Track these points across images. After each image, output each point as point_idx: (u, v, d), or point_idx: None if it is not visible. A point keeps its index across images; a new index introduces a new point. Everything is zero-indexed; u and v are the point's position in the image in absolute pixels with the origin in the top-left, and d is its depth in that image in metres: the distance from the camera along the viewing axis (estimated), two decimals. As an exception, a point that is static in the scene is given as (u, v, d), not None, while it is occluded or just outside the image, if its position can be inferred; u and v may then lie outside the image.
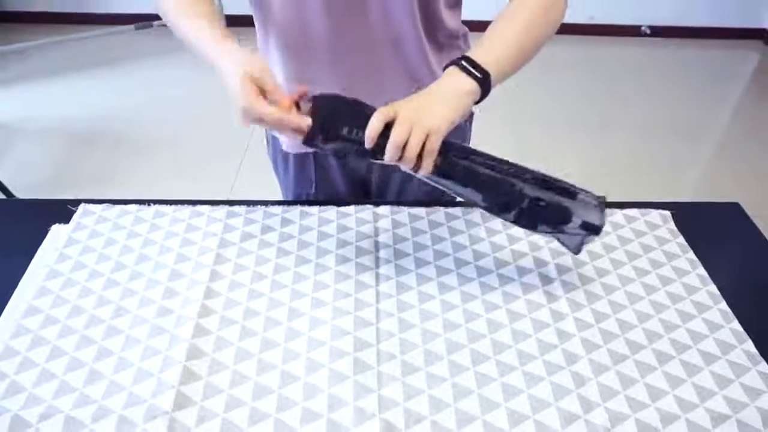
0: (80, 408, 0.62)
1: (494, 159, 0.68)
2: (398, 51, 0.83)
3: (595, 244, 0.85)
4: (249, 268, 0.79)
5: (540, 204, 0.68)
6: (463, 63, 0.68)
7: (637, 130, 2.70)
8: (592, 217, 0.69)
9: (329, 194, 0.99)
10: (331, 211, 0.89)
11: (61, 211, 0.89)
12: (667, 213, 0.91)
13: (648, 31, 3.59)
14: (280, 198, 1.08)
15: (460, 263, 0.81)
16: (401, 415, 0.62)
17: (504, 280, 0.78)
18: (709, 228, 0.89)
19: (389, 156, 0.63)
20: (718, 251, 0.84)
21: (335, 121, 0.65)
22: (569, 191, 0.69)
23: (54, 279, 0.77)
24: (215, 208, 0.90)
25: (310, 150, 0.93)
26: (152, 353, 0.68)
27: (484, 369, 0.67)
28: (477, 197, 0.68)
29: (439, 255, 0.82)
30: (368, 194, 1.04)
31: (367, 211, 0.89)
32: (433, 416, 0.62)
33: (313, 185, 0.97)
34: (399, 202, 0.91)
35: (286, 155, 0.98)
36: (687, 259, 0.83)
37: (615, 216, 0.90)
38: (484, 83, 0.67)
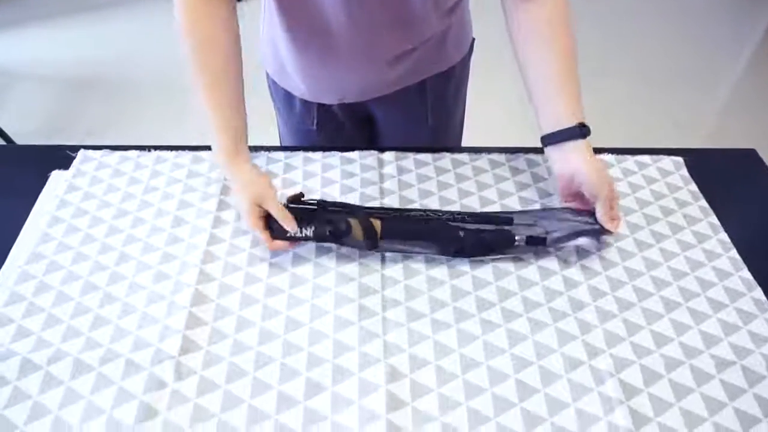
0: (88, 351, 0.62)
1: (426, 211, 0.75)
2: (405, 26, 0.81)
3: (605, 191, 0.83)
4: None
5: (482, 236, 0.71)
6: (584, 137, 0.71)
7: (640, 76, 2.61)
8: (536, 231, 0.71)
9: (330, 133, 0.97)
10: (334, 157, 0.87)
11: (61, 157, 0.87)
12: (680, 159, 0.88)
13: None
14: (281, 143, 1.06)
15: (465, 210, 0.79)
16: (406, 360, 0.62)
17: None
18: (723, 175, 0.86)
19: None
20: (731, 199, 0.82)
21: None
22: (501, 218, 0.73)
23: (56, 225, 0.77)
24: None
25: (315, 100, 0.91)
26: (157, 299, 0.68)
27: (489, 316, 0.66)
28: (429, 249, 0.71)
29: (446, 202, 0.80)
30: (372, 139, 1.02)
31: (371, 156, 0.87)
32: (438, 361, 0.62)
33: (315, 122, 0.94)
34: (404, 147, 0.89)
35: (289, 97, 0.95)
36: (699, 206, 0.81)
37: (626, 162, 0.88)
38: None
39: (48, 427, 0.56)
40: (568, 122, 0.71)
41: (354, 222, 0.69)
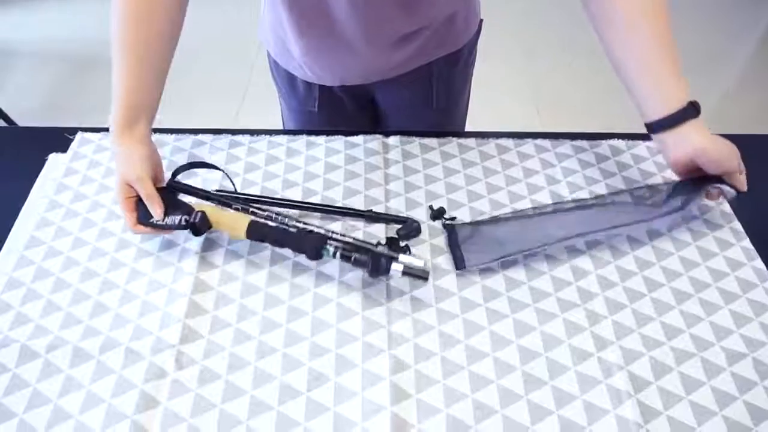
0: (87, 339, 0.61)
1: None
2: (412, 7, 0.78)
3: (615, 179, 0.81)
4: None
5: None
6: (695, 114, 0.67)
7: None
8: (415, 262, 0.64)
9: (333, 116, 0.95)
10: (338, 141, 0.85)
11: (59, 139, 0.85)
12: (693, 145, 0.86)
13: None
14: (284, 126, 1.04)
15: (473, 196, 0.77)
16: (411, 350, 0.61)
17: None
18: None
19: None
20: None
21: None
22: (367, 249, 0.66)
23: (54, 210, 0.75)
24: (218, 137, 0.86)
25: (317, 81, 0.89)
26: (157, 286, 0.66)
27: (496, 306, 0.65)
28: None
29: (452, 188, 0.78)
30: (376, 122, 1.00)
31: (376, 141, 0.85)
32: (443, 352, 0.61)
33: (316, 103, 0.92)
34: (410, 132, 0.87)
35: (291, 78, 0.92)
36: (711, 194, 0.79)
37: (637, 148, 0.86)
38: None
39: (47, 416, 0.55)
40: (680, 103, 0.66)
41: (215, 215, 0.67)
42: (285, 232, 0.66)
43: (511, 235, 0.71)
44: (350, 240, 0.67)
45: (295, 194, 0.77)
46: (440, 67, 0.89)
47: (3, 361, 0.59)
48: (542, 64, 2.45)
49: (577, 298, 0.66)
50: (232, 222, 0.67)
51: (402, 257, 0.63)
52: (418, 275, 0.62)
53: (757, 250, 0.72)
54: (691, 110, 0.67)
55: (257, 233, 0.66)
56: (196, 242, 0.71)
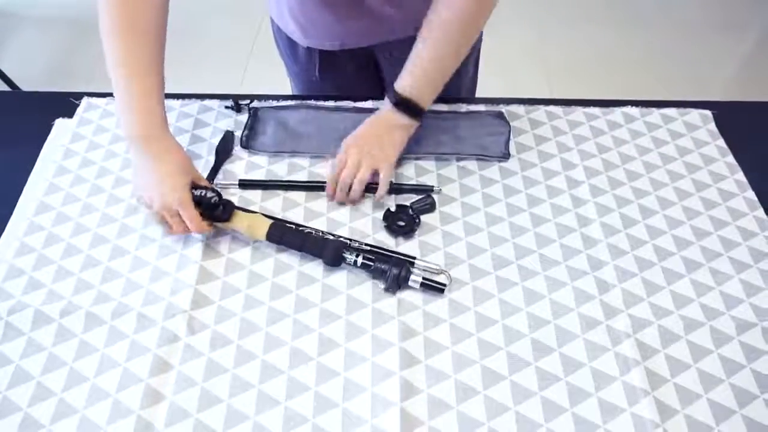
0: (100, 305, 0.62)
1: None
2: None
3: (628, 146, 0.79)
4: (263, 167, 0.76)
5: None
6: (399, 105, 0.71)
7: (666, 23, 2.48)
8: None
9: (335, 81, 0.93)
10: (346, 107, 0.84)
11: (64, 104, 0.84)
12: (708, 113, 0.84)
13: None
14: (292, 92, 1.02)
15: (482, 165, 0.77)
16: (421, 330, 0.61)
17: (528, 182, 0.75)
18: (753, 130, 0.82)
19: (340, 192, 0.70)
20: (759, 155, 0.79)
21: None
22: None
23: (63, 176, 0.75)
24: (224, 102, 0.85)
25: (317, 46, 0.87)
26: (168, 252, 0.67)
27: (506, 273, 0.65)
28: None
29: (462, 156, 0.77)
30: (380, 87, 0.98)
31: (385, 107, 0.84)
32: (452, 319, 0.61)
33: (317, 69, 0.90)
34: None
35: (292, 43, 0.90)
36: (725, 162, 0.78)
37: (651, 116, 0.84)
38: (418, 115, 0.72)
39: (64, 378, 0.56)
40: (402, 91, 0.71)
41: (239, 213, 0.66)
42: (306, 236, 0.65)
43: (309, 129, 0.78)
44: (369, 248, 0.66)
45: (303, 161, 0.77)
46: None
47: (18, 325, 0.60)
48: (552, 32, 2.39)
49: (587, 267, 0.66)
50: (251, 221, 0.65)
51: (418, 270, 0.64)
52: (436, 287, 0.62)
53: (770, 220, 0.71)
54: (394, 103, 0.71)
55: (277, 235, 0.64)
56: (205, 209, 0.71)
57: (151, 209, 0.66)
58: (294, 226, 0.67)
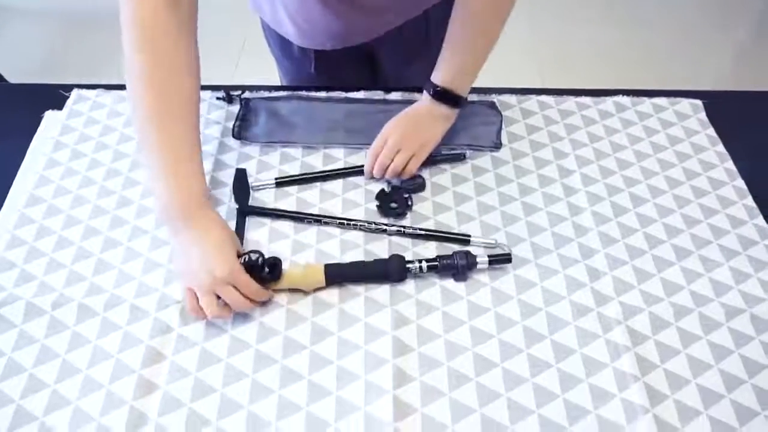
0: (92, 296, 0.62)
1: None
2: None
3: (619, 135, 0.80)
4: (254, 157, 0.76)
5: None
6: (437, 95, 0.72)
7: (658, 16, 2.48)
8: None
9: (330, 75, 0.93)
10: (339, 98, 0.84)
11: (54, 96, 0.84)
12: (699, 102, 0.85)
13: None
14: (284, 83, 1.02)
15: (475, 155, 0.77)
16: (414, 316, 0.61)
17: (520, 171, 0.75)
18: (743, 119, 0.83)
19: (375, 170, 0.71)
20: (749, 144, 0.79)
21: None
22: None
23: (53, 168, 0.74)
24: (216, 93, 0.84)
25: (313, 47, 0.86)
26: (160, 243, 0.67)
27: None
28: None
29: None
30: (374, 78, 0.97)
31: (377, 97, 0.84)
32: (444, 307, 0.61)
33: (312, 65, 0.90)
34: (412, 87, 0.85)
35: (287, 43, 0.89)
36: (716, 151, 0.78)
37: (642, 105, 0.84)
38: (458, 104, 0.73)
39: (56, 370, 0.56)
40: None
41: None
42: (364, 266, 0.63)
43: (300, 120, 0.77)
44: (425, 232, 0.67)
45: (296, 152, 0.77)
46: (436, 12, 0.85)
47: (10, 318, 0.60)
48: (544, 25, 2.39)
49: (578, 255, 0.66)
50: (304, 275, 0.61)
51: (477, 249, 0.64)
52: (503, 260, 0.63)
53: (759, 208, 0.72)
54: (432, 92, 0.72)
55: (336, 276, 0.62)
56: (197, 200, 0.70)
57: (200, 293, 0.57)
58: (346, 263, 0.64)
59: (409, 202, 0.70)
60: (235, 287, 0.57)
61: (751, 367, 0.58)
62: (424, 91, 0.73)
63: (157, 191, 0.60)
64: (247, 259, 0.59)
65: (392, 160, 0.71)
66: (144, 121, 0.60)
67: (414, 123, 0.73)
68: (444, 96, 0.72)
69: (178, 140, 0.60)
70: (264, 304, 0.61)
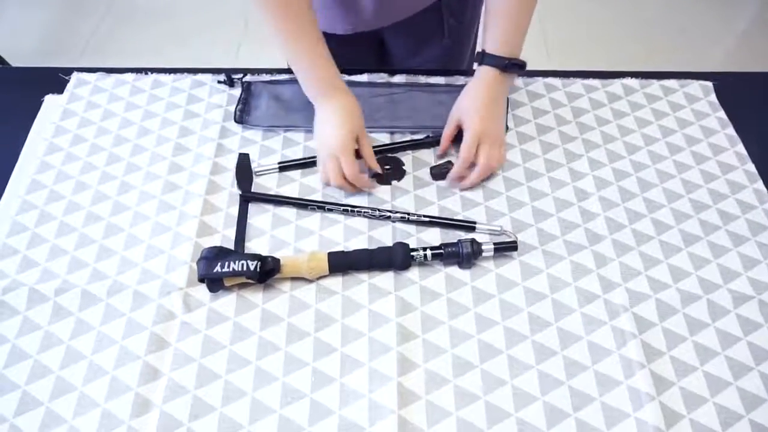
0: (95, 283, 0.62)
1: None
2: None
3: (627, 119, 0.78)
4: (257, 141, 0.75)
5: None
6: (510, 67, 0.70)
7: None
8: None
9: (340, 60, 0.91)
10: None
11: (54, 80, 0.83)
12: (709, 84, 0.83)
13: None
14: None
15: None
16: (418, 303, 0.61)
17: (527, 156, 0.74)
18: (755, 101, 0.81)
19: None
20: (760, 127, 0.78)
21: None
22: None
23: (54, 154, 0.74)
24: (217, 76, 0.83)
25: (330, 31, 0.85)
26: (162, 230, 0.66)
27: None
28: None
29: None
30: (384, 62, 0.96)
31: (381, 80, 0.82)
32: (449, 294, 0.61)
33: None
34: (416, 70, 0.84)
35: None
36: (726, 135, 0.77)
37: (651, 87, 0.83)
38: (523, 69, 0.72)
39: (61, 356, 0.56)
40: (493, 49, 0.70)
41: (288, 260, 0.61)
42: (367, 254, 0.62)
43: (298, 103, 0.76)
44: (429, 219, 0.66)
45: (299, 137, 0.76)
46: (450, 2, 0.84)
47: (13, 304, 0.60)
48: (551, 6, 2.34)
49: (584, 241, 0.65)
50: (308, 263, 0.61)
51: (483, 235, 0.65)
52: (509, 248, 0.63)
53: (770, 192, 0.70)
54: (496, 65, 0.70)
55: (339, 265, 0.62)
56: (199, 185, 0.70)
57: (322, 160, 0.68)
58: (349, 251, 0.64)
59: (403, 166, 0.71)
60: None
61: (759, 354, 0.57)
62: (484, 68, 0.70)
63: (300, 74, 0.71)
64: (233, 269, 0.58)
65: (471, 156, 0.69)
66: (277, 31, 0.68)
67: (488, 107, 0.70)
68: (513, 65, 0.70)
69: (308, 35, 0.69)
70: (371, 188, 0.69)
